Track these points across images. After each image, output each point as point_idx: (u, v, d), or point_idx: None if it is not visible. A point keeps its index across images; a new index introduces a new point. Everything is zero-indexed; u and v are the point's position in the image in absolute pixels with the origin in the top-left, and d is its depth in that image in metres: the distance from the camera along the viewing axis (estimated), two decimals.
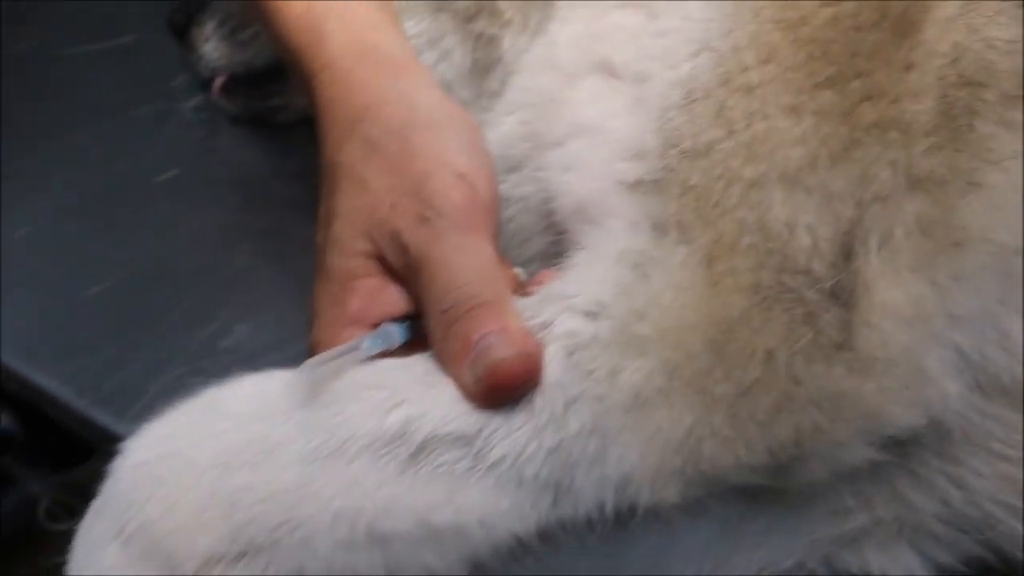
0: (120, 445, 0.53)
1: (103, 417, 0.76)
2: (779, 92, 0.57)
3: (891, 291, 0.53)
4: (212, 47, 0.98)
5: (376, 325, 0.57)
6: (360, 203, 0.59)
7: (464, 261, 0.55)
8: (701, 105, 0.58)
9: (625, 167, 0.59)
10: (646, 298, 0.53)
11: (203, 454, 0.51)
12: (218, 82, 1.00)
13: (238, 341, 0.82)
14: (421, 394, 0.52)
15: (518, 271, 0.64)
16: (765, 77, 0.57)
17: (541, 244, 0.68)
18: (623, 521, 0.53)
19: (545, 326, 0.53)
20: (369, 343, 0.54)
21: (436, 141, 0.60)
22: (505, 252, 0.69)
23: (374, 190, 0.59)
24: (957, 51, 0.57)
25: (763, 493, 0.57)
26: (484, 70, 0.80)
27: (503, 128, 0.72)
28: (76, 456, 0.95)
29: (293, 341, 0.79)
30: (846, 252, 0.54)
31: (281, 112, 1.00)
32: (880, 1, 0.58)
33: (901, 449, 0.56)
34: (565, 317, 0.53)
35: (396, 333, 0.56)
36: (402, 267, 0.57)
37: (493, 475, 0.50)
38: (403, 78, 0.65)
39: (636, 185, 0.57)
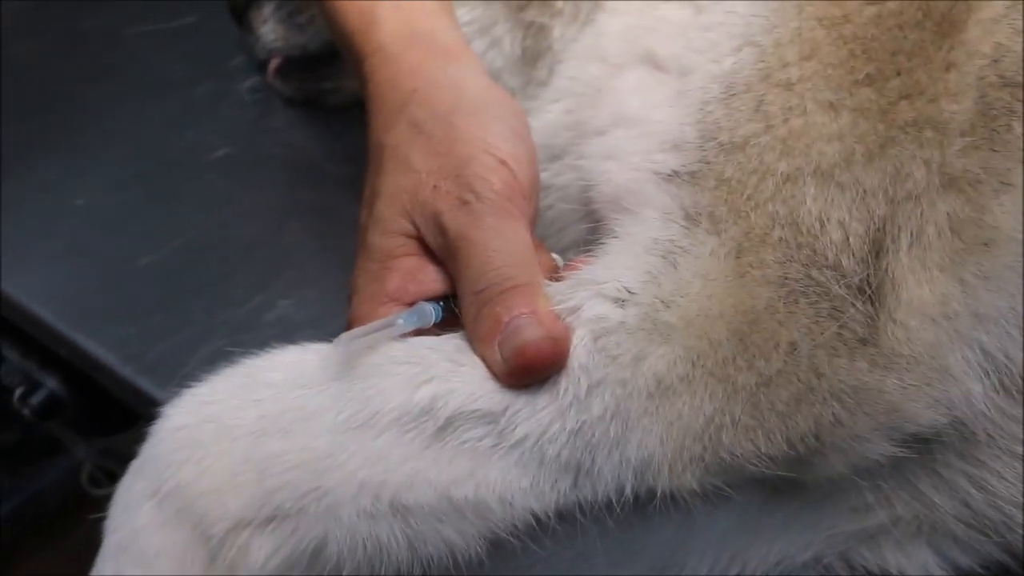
0: (161, 409, 0.54)
1: (146, 384, 0.78)
2: (819, 88, 0.57)
3: (919, 288, 0.53)
4: (269, 29, 0.99)
5: (413, 303, 0.58)
6: (403, 184, 0.60)
7: (500, 244, 0.56)
8: (740, 99, 0.58)
9: (663, 158, 0.59)
10: (674, 287, 0.53)
11: (240, 421, 0.52)
12: (273, 64, 1.01)
13: (280, 316, 0.83)
14: (450, 371, 0.52)
15: (555, 257, 0.65)
16: (805, 73, 0.57)
17: (578, 232, 0.68)
18: (642, 507, 0.54)
19: (574, 310, 0.54)
20: (404, 320, 0.55)
21: (480, 126, 0.60)
22: (543, 239, 0.70)
23: (417, 171, 0.60)
24: (999, 52, 0.56)
25: (783, 486, 0.57)
26: (533, 59, 0.80)
27: (548, 116, 0.72)
28: (119, 423, 0.98)
29: (334, 317, 0.80)
30: (876, 248, 0.53)
31: (333, 95, 1.01)
32: (924, 0, 0.58)
33: (924, 447, 0.56)
34: (594, 302, 0.53)
35: (431, 312, 0.57)
36: (440, 248, 0.58)
37: (515, 453, 0.51)
38: (452, 64, 0.66)
39: (672, 176, 0.58)
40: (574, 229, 0.69)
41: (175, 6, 1.14)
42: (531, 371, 0.52)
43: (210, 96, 1.04)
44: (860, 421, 0.52)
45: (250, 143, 1.00)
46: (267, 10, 0.99)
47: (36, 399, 0.94)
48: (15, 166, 0.96)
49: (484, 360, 0.53)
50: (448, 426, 0.51)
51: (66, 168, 0.96)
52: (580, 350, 0.52)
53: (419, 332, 0.56)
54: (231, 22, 1.03)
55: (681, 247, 0.55)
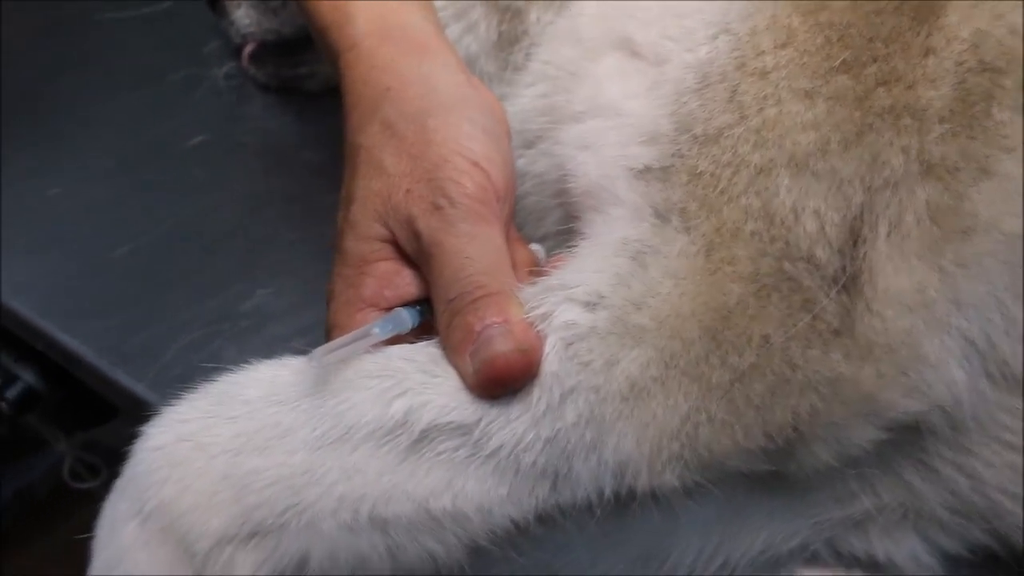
0: (142, 419, 0.55)
1: (123, 377, 0.78)
2: (794, 76, 0.56)
3: (896, 277, 0.53)
4: (243, 14, 0.99)
5: (390, 308, 0.58)
6: (377, 187, 0.60)
7: (472, 251, 0.56)
8: (715, 89, 0.58)
9: (638, 151, 0.58)
10: (644, 288, 0.53)
11: (216, 439, 0.52)
12: (248, 49, 1.01)
13: (257, 305, 0.83)
14: (423, 383, 0.53)
15: (536, 248, 0.65)
16: (780, 61, 0.57)
17: (556, 220, 0.68)
18: (623, 504, 0.54)
19: (546, 316, 0.54)
20: (380, 329, 0.54)
21: (453, 127, 0.60)
22: (521, 227, 0.69)
23: (391, 175, 0.59)
24: (978, 37, 0.56)
25: (767, 478, 0.57)
26: (509, 43, 0.80)
27: (522, 101, 0.72)
28: (99, 415, 0.97)
29: (310, 306, 0.81)
30: (854, 237, 0.53)
31: (309, 80, 1.01)
32: None
33: (911, 435, 0.56)
34: (565, 308, 0.53)
35: (408, 317, 0.57)
36: (415, 252, 0.58)
37: (491, 463, 0.52)
38: (426, 59, 0.65)
39: (644, 172, 0.57)
40: (552, 217, 0.68)
41: None
42: (502, 383, 0.52)
43: (185, 83, 1.04)
44: (837, 410, 0.53)
45: (226, 130, 1.00)
46: None
47: (12, 393, 0.93)
48: None
49: (457, 370, 0.53)
50: (423, 439, 0.52)
51: (39, 157, 0.96)
52: (552, 358, 0.52)
53: (398, 338, 0.56)
54: (205, 7, 1.03)
55: (651, 247, 0.55)
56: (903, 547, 0.62)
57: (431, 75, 0.64)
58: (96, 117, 1.00)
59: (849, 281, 0.53)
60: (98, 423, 1.01)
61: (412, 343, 0.56)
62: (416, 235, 0.57)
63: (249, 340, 0.80)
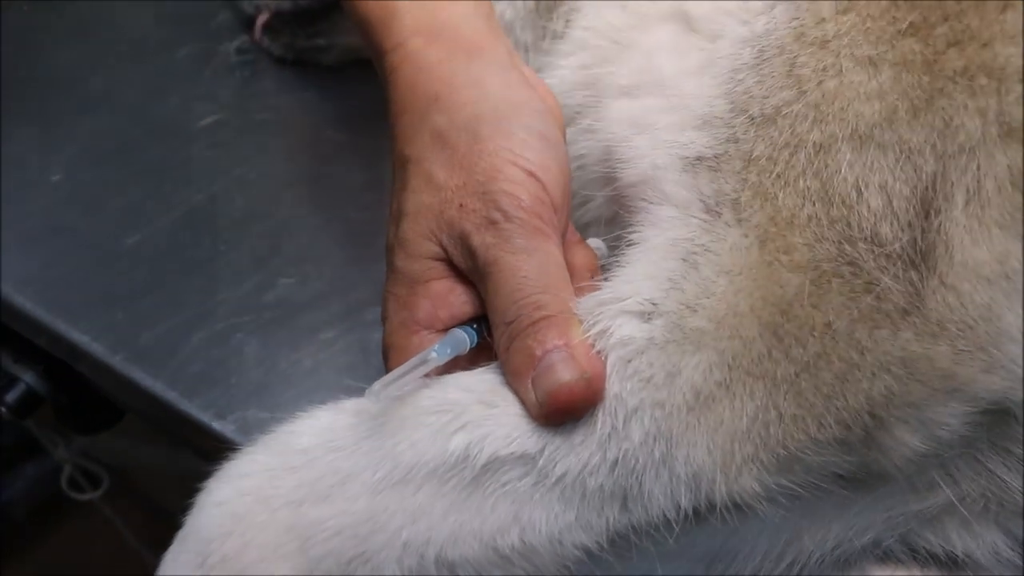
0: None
1: (138, 374, 0.80)
2: (856, 43, 0.57)
3: (975, 249, 0.53)
4: None
5: (445, 329, 0.60)
6: (428, 202, 0.61)
7: (529, 269, 0.57)
8: (772, 64, 0.58)
9: (691, 137, 0.60)
10: (698, 289, 0.55)
11: (278, 491, 0.55)
12: (261, 19, 1.02)
13: (281, 296, 0.85)
14: (483, 416, 0.55)
15: (596, 245, 0.66)
16: (842, 28, 0.57)
17: (601, 206, 0.69)
18: (703, 517, 0.56)
19: (603, 334, 0.55)
20: (437, 353, 0.56)
21: (505, 135, 0.61)
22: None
23: (442, 188, 0.60)
24: None
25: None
26: (548, 10, 0.80)
27: (561, 73, 0.73)
28: (102, 420, 0.99)
29: (338, 295, 0.84)
30: (926, 209, 0.54)
31: (327, 52, 1.02)
32: None
33: (998, 420, 0.57)
34: (621, 322, 0.55)
35: (465, 338, 0.58)
36: (470, 270, 0.59)
37: (557, 490, 0.54)
38: (476, 61, 0.66)
39: (696, 163, 0.58)
40: (597, 202, 0.70)
41: None
42: (566, 413, 0.54)
43: (194, 58, 1.06)
44: (915, 390, 0.54)
45: (239, 108, 1.01)
46: None
47: (12, 396, 0.95)
48: None
49: (518, 396, 0.55)
50: (486, 471, 0.54)
51: (40, 141, 0.98)
52: (613, 378, 0.54)
53: (457, 359, 0.58)
54: None
55: (701, 245, 0.56)
56: (983, 541, 0.63)
57: (483, 77, 0.64)
58: (98, 97, 1.02)
59: (920, 256, 0.54)
60: (101, 428, 1.03)
61: (466, 367, 0.58)
62: (471, 252, 0.58)
63: (274, 333, 0.82)
